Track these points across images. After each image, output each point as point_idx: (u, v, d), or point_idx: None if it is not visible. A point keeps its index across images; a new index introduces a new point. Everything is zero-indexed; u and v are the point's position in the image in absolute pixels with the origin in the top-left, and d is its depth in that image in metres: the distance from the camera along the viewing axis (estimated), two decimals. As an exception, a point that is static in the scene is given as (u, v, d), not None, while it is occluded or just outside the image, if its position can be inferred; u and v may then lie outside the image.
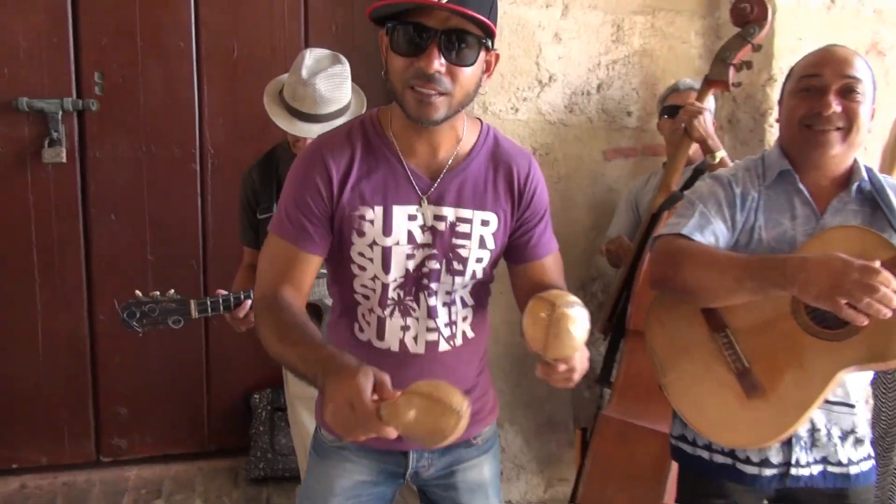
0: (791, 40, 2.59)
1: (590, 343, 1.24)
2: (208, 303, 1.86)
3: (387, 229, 1.27)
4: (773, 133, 2.66)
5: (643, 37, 2.71)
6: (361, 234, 1.27)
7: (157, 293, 1.83)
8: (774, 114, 2.64)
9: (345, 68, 1.94)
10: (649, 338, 1.55)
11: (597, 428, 2.08)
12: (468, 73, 1.18)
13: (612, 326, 2.31)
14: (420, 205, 1.27)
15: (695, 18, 2.74)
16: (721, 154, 2.21)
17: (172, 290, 1.85)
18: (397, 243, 1.27)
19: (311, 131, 1.90)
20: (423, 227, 1.28)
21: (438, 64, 1.15)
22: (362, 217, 1.26)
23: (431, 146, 1.27)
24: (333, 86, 1.90)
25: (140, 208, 2.59)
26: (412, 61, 1.16)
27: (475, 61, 1.18)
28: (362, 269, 1.30)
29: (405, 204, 1.27)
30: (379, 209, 1.27)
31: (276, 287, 1.25)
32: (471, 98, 1.22)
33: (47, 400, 2.63)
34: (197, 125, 2.59)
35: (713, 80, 2.21)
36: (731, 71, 2.19)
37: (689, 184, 2.40)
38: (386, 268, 1.28)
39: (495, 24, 1.19)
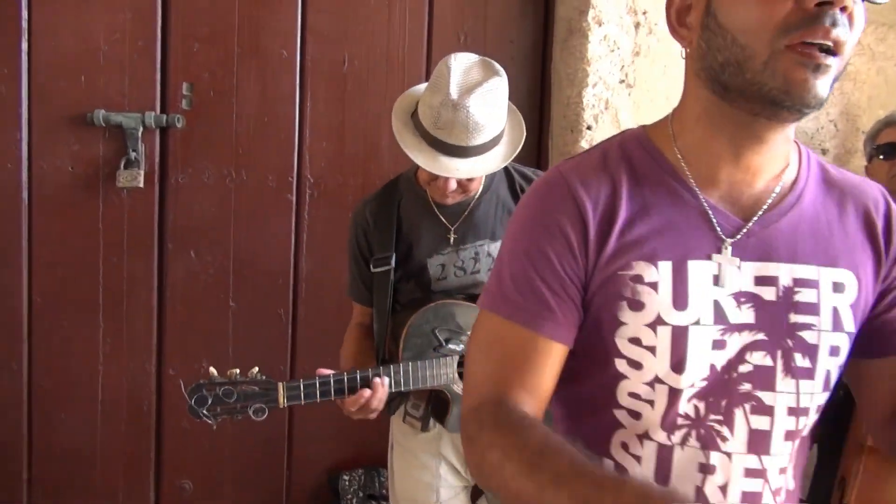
0: None
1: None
2: (301, 388, 1.42)
3: (679, 299, 0.78)
4: None
5: (846, 56, 2.17)
6: (637, 306, 0.78)
7: (237, 372, 1.41)
8: None
9: (502, 81, 1.45)
10: None
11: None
12: (863, 18, 0.73)
13: (821, 433, 1.77)
14: (734, 261, 0.79)
15: (912, 35, 2.19)
16: None
17: (256, 369, 1.43)
18: (697, 322, 0.78)
19: (459, 169, 1.43)
20: (739, 297, 0.78)
21: None
22: (637, 279, 0.78)
23: (750, 170, 0.79)
24: (490, 107, 1.42)
25: (224, 245, 2.18)
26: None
27: None
28: (636, 366, 0.79)
29: (707, 258, 0.78)
30: (666, 266, 0.78)
31: (503, 391, 0.79)
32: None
33: (104, 466, 2.22)
34: (296, 149, 2.18)
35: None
36: None
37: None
38: (678, 364, 0.78)
39: None
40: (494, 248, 1.57)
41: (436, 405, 1.57)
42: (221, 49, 2.11)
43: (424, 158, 1.43)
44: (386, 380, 1.45)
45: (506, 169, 1.62)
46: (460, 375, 1.51)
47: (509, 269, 0.82)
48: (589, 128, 2.09)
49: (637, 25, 2.05)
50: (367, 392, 1.43)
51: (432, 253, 1.57)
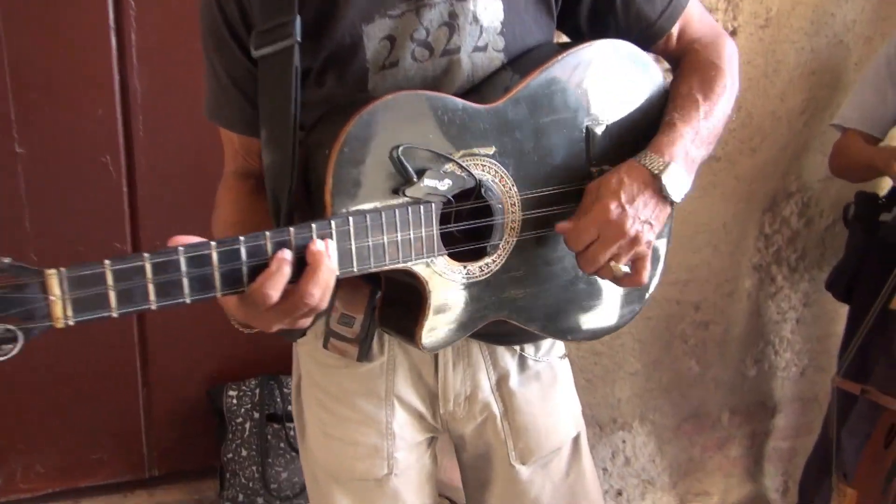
0: None
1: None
2: (109, 277, 0.62)
3: None
4: None
5: None
6: None
7: None
8: None
9: None
10: None
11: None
12: None
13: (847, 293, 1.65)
14: None
15: None
16: None
17: (8, 260, 0.60)
18: None
19: None
20: None
21: None
22: None
23: None
24: None
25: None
26: None
27: None
28: None
29: None
30: None
31: None
32: None
33: None
34: None
35: None
36: None
37: None
38: None
39: None
40: (483, 5, 0.83)
41: (396, 305, 0.87)
42: None
43: None
44: (331, 244, 0.71)
45: None
46: (444, 238, 0.79)
47: None
48: None
49: None
50: (286, 257, 0.68)
51: (372, 14, 0.79)
